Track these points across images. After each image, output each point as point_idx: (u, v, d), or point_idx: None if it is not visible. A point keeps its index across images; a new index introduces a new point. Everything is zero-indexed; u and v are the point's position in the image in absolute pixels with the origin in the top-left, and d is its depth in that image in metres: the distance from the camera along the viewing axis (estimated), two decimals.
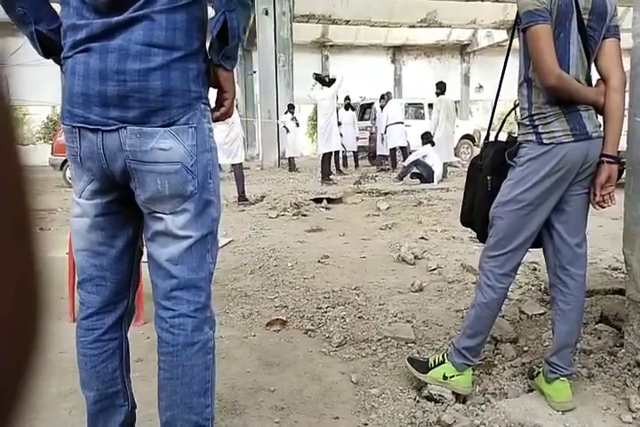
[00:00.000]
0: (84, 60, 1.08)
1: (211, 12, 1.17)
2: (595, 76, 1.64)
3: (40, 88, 14.56)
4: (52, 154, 9.52)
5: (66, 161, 9.23)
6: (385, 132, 10.20)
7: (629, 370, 1.76)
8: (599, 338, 2.07)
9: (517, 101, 1.68)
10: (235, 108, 5.33)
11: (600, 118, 1.62)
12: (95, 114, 1.08)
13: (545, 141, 1.56)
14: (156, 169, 1.11)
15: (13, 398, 0.24)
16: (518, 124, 1.68)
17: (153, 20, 1.07)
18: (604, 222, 3.91)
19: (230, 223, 5.02)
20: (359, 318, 2.48)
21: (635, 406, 1.56)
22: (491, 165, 1.73)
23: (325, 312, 2.55)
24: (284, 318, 2.46)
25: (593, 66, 1.63)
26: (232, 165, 6.29)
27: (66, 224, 4.84)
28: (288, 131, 10.81)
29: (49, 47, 1.20)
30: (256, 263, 3.49)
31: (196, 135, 1.14)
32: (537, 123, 1.58)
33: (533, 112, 1.59)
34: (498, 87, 1.85)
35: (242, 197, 6.29)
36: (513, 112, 1.76)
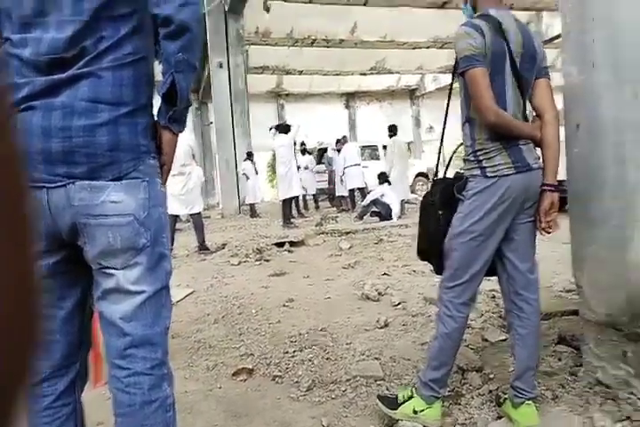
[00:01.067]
0: (27, 119, 1.05)
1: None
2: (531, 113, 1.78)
3: None
4: None
5: None
6: (343, 173, 10.47)
7: (590, 388, 1.80)
8: (559, 359, 2.12)
9: (462, 140, 1.79)
10: (192, 158, 5.37)
11: (538, 151, 1.74)
12: (40, 171, 1.06)
13: (489, 175, 1.65)
14: (108, 222, 1.09)
15: (12, 398, 0.23)
16: (464, 160, 1.77)
17: (99, 76, 1.07)
18: (556, 247, 4.06)
19: (191, 273, 4.92)
20: (327, 359, 2.44)
21: (599, 423, 1.59)
22: (441, 200, 1.81)
23: (293, 356, 2.50)
24: (251, 367, 2.39)
25: (528, 104, 1.77)
26: (191, 215, 6.25)
27: None
28: (248, 178, 10.91)
29: None
30: (219, 312, 3.41)
31: (147, 189, 1.13)
32: (481, 158, 1.67)
33: (477, 148, 1.69)
34: (442, 128, 1.96)
35: (202, 246, 6.22)
36: (461, 149, 1.87)
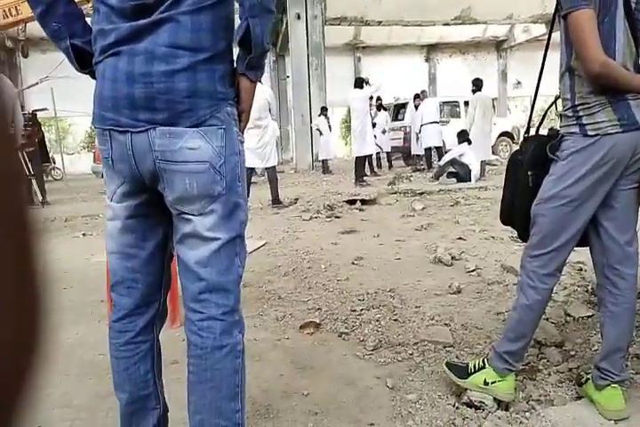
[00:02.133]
0: (113, 64, 1.08)
1: None
2: None
3: (83, 99, 15.12)
4: (93, 162, 9.89)
5: None
6: (420, 131, 10.07)
7: None
8: None
9: (559, 93, 1.59)
10: (268, 112, 5.36)
11: None
12: (125, 116, 1.09)
13: (590, 133, 1.47)
14: (185, 168, 1.10)
15: (11, 406, 0.23)
16: (560, 115, 1.59)
17: (178, 21, 1.06)
18: None
19: (264, 226, 5.04)
20: (394, 320, 2.41)
21: None
22: (531, 159, 1.64)
23: (360, 315, 2.50)
24: (318, 321, 2.42)
25: None
26: (265, 168, 6.32)
27: None
28: (321, 133, 10.83)
29: (85, 60, 1.21)
30: (290, 266, 3.47)
31: (224, 136, 1.13)
32: (581, 113, 1.49)
33: (577, 102, 1.50)
34: (537, 82, 1.75)
35: (276, 200, 6.31)
36: (554, 107, 1.67)
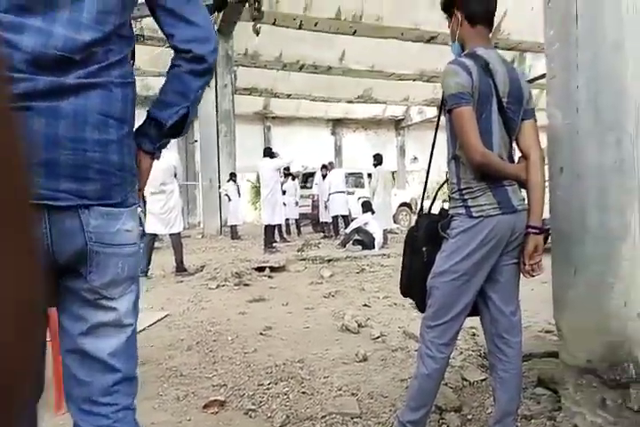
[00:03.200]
0: (25, 123, 0.93)
1: None
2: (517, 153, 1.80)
3: None
4: None
5: None
6: (328, 200, 10.51)
7: None
8: (538, 402, 2.10)
9: (447, 177, 1.80)
10: (173, 177, 5.31)
11: (524, 192, 1.75)
12: (40, 186, 0.94)
13: (474, 215, 1.64)
14: (121, 252, 1.05)
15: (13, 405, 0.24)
16: (449, 197, 1.77)
17: (110, 90, 1.01)
18: (536, 286, 4.08)
19: (167, 295, 4.80)
20: (303, 393, 2.37)
21: None
22: (425, 236, 1.80)
23: (267, 389, 2.43)
24: (223, 399, 2.31)
25: (515, 144, 1.79)
26: (170, 234, 6.16)
27: None
28: (230, 199, 10.87)
29: None
30: (194, 338, 3.32)
31: (138, 215, 1.12)
32: (466, 197, 1.67)
33: (462, 187, 1.69)
34: (429, 161, 1.96)
35: (180, 268, 6.10)
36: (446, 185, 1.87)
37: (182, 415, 2.18)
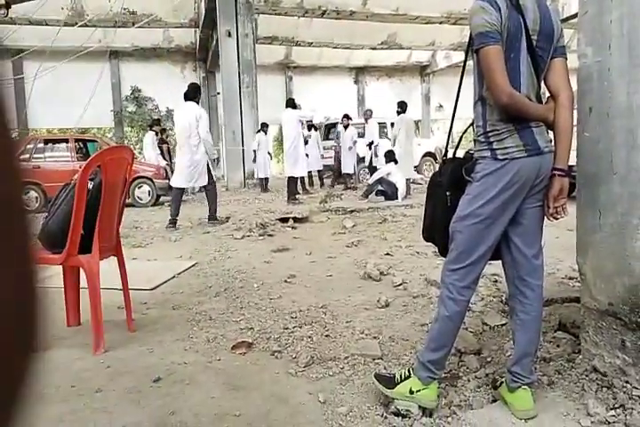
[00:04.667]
0: None
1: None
2: (545, 93, 1.73)
3: None
4: None
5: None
6: (377, 145, 10.41)
7: (587, 376, 1.81)
8: (558, 346, 2.13)
9: (473, 119, 1.75)
10: (197, 130, 5.29)
11: (551, 134, 1.70)
12: None
13: (499, 157, 1.62)
14: None
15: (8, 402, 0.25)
16: (474, 140, 1.74)
17: None
18: (561, 234, 4.05)
19: (194, 246, 4.95)
20: (326, 336, 2.47)
21: (593, 410, 1.61)
22: (449, 181, 1.78)
23: (292, 332, 2.53)
24: (250, 341, 2.42)
25: (543, 84, 1.72)
26: (202, 187, 6.26)
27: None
28: (255, 156, 10.80)
29: None
30: (221, 285, 3.44)
31: None
32: (492, 139, 1.64)
33: (488, 129, 1.65)
34: (454, 106, 1.91)
35: (212, 217, 6.23)
36: (471, 129, 1.83)
37: (212, 356, 2.31)
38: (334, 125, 12.81)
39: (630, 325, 1.74)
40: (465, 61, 1.83)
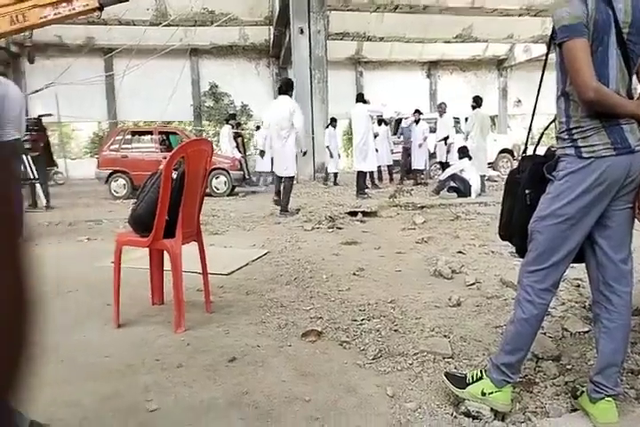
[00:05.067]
0: None
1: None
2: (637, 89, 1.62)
3: (87, 105, 15.28)
4: (97, 167, 9.95)
5: (111, 174, 9.62)
6: (451, 144, 10.19)
7: None
8: None
9: (556, 115, 1.67)
10: (291, 124, 5.65)
11: None
12: None
13: (584, 155, 1.54)
14: None
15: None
16: (557, 137, 1.66)
17: None
18: None
19: (266, 235, 5.10)
20: (395, 331, 2.46)
21: None
22: (529, 178, 1.71)
23: (361, 324, 2.55)
24: (320, 329, 2.47)
25: (635, 79, 1.61)
26: (285, 177, 6.55)
27: (111, 235, 5.01)
28: (332, 154, 10.93)
29: None
30: (292, 275, 3.53)
31: None
32: (576, 136, 1.56)
33: (572, 126, 1.58)
34: (535, 101, 1.83)
35: (284, 208, 6.46)
36: (553, 126, 1.75)
37: (283, 341, 2.38)
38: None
39: None
40: (547, 54, 1.75)
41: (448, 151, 10.23)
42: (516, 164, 13.46)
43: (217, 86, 18.10)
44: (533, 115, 1.87)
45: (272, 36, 16.53)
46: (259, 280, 3.42)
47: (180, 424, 1.71)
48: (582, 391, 1.73)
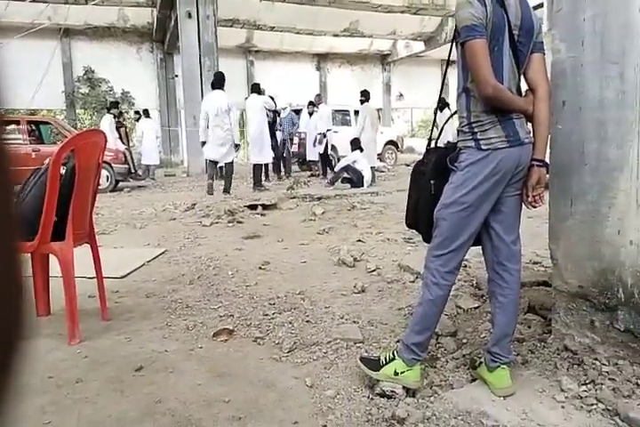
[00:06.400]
0: None
1: None
2: (523, 86, 1.80)
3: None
4: None
5: None
6: (324, 136, 10.12)
7: (558, 354, 1.93)
8: (529, 327, 2.24)
9: (456, 110, 1.80)
10: (227, 116, 5.76)
11: (529, 126, 1.78)
12: None
13: (483, 147, 1.68)
14: None
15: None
16: (458, 131, 1.79)
17: None
18: (522, 221, 4.22)
19: (161, 233, 4.84)
20: (307, 322, 2.49)
21: (566, 386, 1.71)
22: (433, 169, 1.83)
23: (272, 319, 2.54)
24: (231, 328, 2.42)
25: (522, 77, 1.79)
26: (226, 163, 7.28)
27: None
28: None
29: None
30: (194, 273, 3.40)
31: None
32: (475, 130, 1.69)
33: (472, 120, 1.71)
34: (439, 95, 1.95)
35: (227, 190, 7.23)
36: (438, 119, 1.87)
37: (193, 343, 2.29)
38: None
39: (599, 306, 1.86)
40: (450, 50, 1.87)
41: (332, 148, 10.24)
42: (400, 155, 14.21)
43: (93, 71, 16.60)
44: (436, 110, 2.02)
45: (155, 19, 15.57)
46: (158, 281, 3.24)
47: None
48: (480, 362, 1.90)
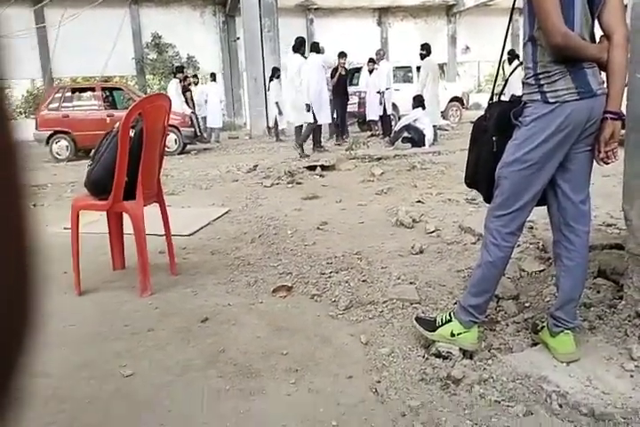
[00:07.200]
0: None
1: None
2: (598, 32, 1.62)
3: (17, 62, 14.00)
4: (36, 129, 9.28)
5: (52, 135, 9.03)
6: (382, 95, 9.77)
7: (630, 321, 1.82)
8: (598, 292, 2.13)
9: (522, 60, 1.66)
10: (299, 79, 6.01)
11: (603, 75, 1.61)
12: None
13: (550, 100, 1.56)
14: None
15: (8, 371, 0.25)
16: (523, 83, 1.67)
17: None
18: (597, 180, 3.91)
19: (225, 194, 5.00)
20: (363, 281, 2.52)
21: (637, 354, 1.63)
22: (496, 125, 1.72)
23: (329, 277, 2.59)
24: (290, 285, 2.49)
25: (596, 23, 1.61)
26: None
27: (59, 199, 4.76)
28: (281, 112, 10.31)
29: None
30: (256, 232, 3.50)
31: None
32: (542, 82, 1.57)
33: (538, 71, 1.58)
34: (502, 46, 1.81)
35: (300, 145, 7.39)
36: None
37: (254, 298, 2.39)
38: (358, 70, 12.31)
39: None
40: (514, 3, 1.71)
41: (380, 102, 9.79)
42: (465, 112, 13.43)
43: (160, 37, 16.88)
44: (501, 60, 1.85)
45: None
46: (222, 239, 3.37)
47: (158, 387, 1.71)
48: (542, 326, 1.84)
